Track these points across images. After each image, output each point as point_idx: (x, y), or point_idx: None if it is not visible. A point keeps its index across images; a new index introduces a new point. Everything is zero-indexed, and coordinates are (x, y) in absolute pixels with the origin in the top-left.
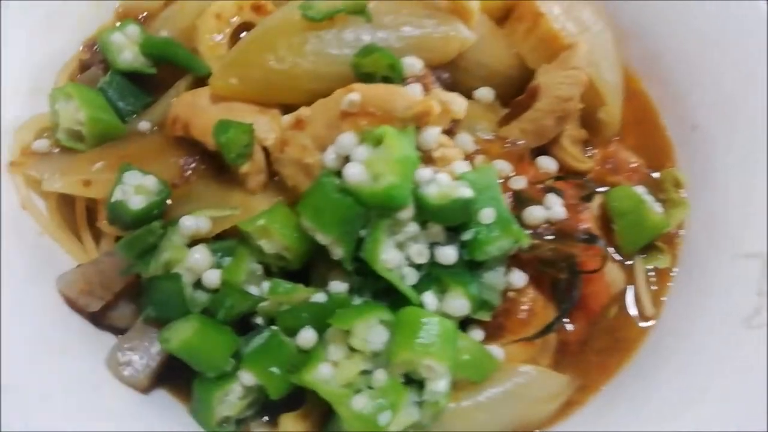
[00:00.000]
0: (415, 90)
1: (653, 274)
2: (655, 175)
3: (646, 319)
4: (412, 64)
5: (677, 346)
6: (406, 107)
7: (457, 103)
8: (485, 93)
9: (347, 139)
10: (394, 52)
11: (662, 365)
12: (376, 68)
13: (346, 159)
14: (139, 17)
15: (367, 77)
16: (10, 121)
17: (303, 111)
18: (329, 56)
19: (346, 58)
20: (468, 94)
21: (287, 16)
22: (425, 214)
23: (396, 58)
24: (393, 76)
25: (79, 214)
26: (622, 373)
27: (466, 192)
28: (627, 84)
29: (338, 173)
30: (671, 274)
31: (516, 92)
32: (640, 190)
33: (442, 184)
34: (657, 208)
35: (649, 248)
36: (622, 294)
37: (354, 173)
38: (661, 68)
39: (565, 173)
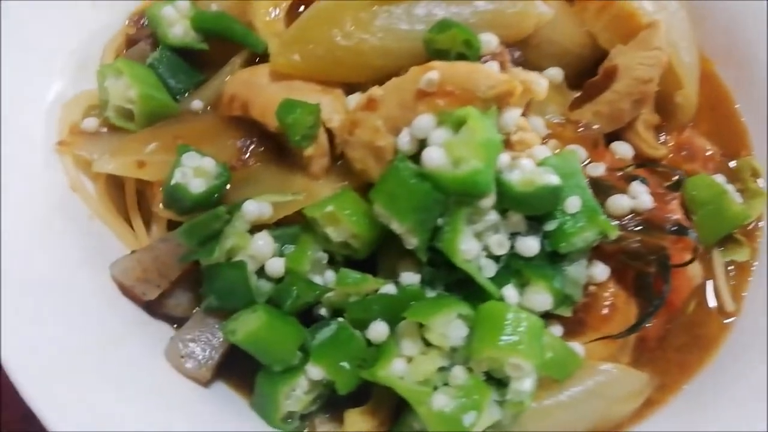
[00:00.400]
0: (492, 67)
1: (732, 267)
2: (731, 163)
3: (727, 315)
4: (489, 40)
5: (759, 343)
6: (488, 87)
7: (539, 83)
8: (555, 73)
9: (425, 120)
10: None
11: (744, 363)
12: (451, 45)
13: (422, 142)
14: None
15: (440, 54)
16: (55, 99)
17: (375, 90)
18: (399, 32)
19: (418, 34)
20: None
21: None
22: (507, 202)
23: (473, 34)
24: (469, 53)
25: (129, 198)
26: (703, 371)
27: (553, 179)
28: (700, 66)
29: (413, 157)
30: (751, 268)
31: (584, 74)
32: (720, 179)
33: (525, 170)
34: (737, 198)
35: (727, 240)
36: (701, 288)
37: (434, 157)
38: (735, 50)
39: (639, 160)
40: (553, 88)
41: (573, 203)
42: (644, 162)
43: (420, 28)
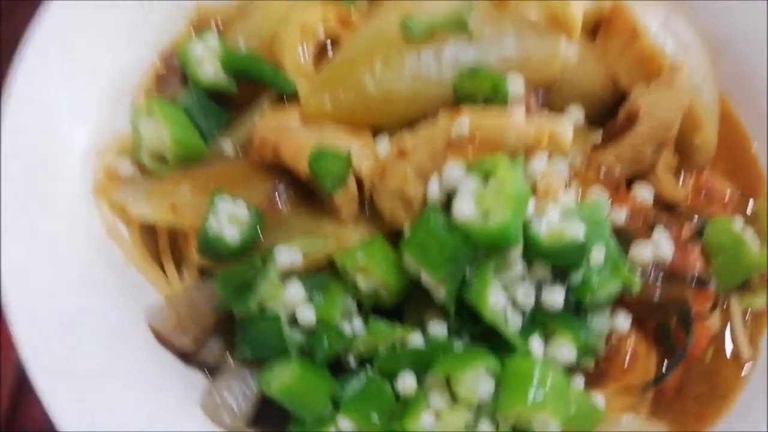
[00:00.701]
0: (519, 114)
1: (748, 314)
2: (750, 204)
3: (744, 362)
4: (516, 85)
5: None
6: (516, 138)
7: (565, 133)
8: (576, 114)
9: (455, 169)
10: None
11: (761, 411)
12: (478, 90)
13: (451, 191)
14: (214, 23)
15: (468, 98)
16: (88, 140)
17: (406, 141)
18: (428, 77)
19: (446, 80)
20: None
21: (383, 33)
22: (534, 254)
23: (501, 79)
24: (496, 98)
25: (162, 243)
26: (720, 420)
27: (579, 233)
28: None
29: (442, 205)
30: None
31: (605, 113)
32: (738, 223)
33: (552, 223)
34: (755, 243)
35: (744, 287)
36: (719, 336)
37: (464, 210)
38: (750, 89)
39: (658, 202)
40: (575, 129)
41: (597, 255)
42: (665, 205)
43: (448, 72)
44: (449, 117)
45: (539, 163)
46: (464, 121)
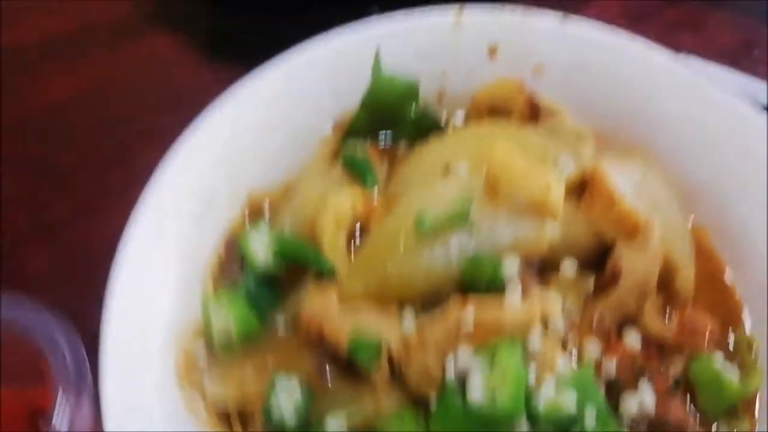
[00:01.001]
0: (516, 292)
1: None
2: (731, 336)
3: None
4: (511, 268)
5: None
6: (513, 320)
7: (554, 305)
8: (570, 267)
9: (465, 355)
10: (493, 253)
11: None
12: (481, 273)
13: (464, 370)
14: (263, 205)
15: (472, 280)
16: (165, 325)
17: (426, 329)
18: (438, 264)
19: (454, 264)
20: (552, 267)
21: (401, 227)
22: (535, 421)
23: (498, 265)
24: (496, 279)
25: (231, 412)
26: None
27: (572, 404)
28: (695, 240)
29: (458, 380)
30: None
31: (593, 258)
32: (718, 359)
33: (548, 396)
34: (735, 377)
35: (730, 413)
36: None
37: (476, 395)
38: (728, 224)
39: (646, 343)
40: (568, 282)
41: (589, 416)
42: (653, 346)
43: (455, 259)
44: (458, 308)
45: (535, 338)
46: (470, 312)
